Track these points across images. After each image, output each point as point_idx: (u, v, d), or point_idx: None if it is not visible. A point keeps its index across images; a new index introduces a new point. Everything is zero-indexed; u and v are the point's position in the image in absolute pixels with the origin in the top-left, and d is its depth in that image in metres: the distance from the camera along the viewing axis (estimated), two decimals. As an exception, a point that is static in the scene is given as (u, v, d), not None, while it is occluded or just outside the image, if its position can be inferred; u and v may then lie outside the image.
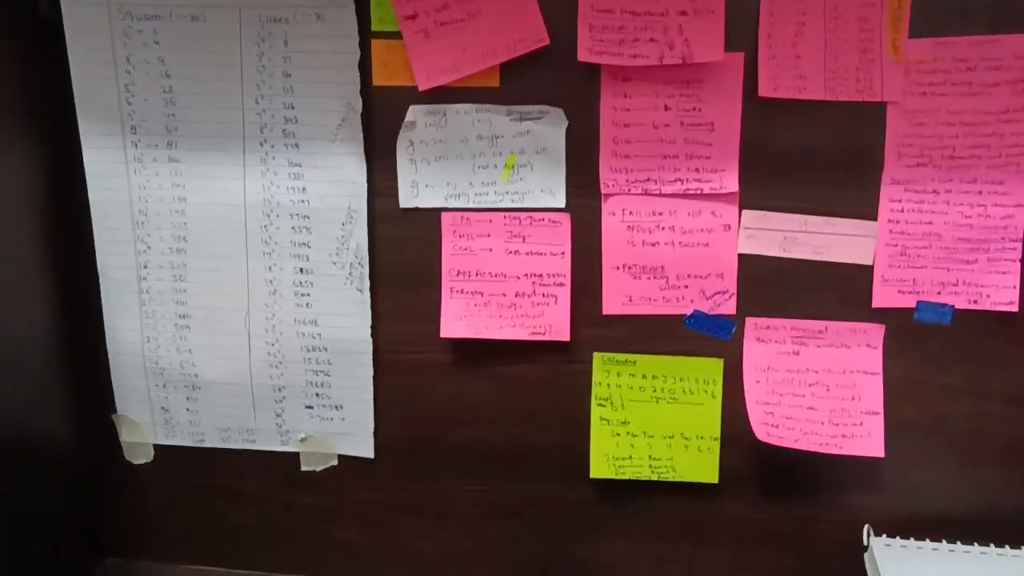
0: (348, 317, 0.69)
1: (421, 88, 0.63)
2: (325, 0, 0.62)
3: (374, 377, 0.70)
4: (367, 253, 0.67)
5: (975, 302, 0.62)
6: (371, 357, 0.70)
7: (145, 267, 0.70)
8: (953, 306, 0.63)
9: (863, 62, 0.60)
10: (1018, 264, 0.61)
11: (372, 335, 0.69)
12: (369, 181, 0.66)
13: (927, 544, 0.65)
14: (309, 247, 0.68)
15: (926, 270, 0.63)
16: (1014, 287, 0.62)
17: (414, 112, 0.64)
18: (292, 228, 0.68)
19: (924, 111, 0.60)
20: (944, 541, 0.65)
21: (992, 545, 0.64)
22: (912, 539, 0.65)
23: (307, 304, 0.69)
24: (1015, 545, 0.64)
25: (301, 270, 0.69)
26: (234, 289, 0.70)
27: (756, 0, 0.59)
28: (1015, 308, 0.62)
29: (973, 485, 0.66)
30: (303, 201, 0.67)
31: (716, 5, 0.59)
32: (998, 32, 0.58)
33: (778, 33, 0.60)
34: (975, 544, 0.64)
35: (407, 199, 0.66)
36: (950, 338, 0.64)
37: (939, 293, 0.63)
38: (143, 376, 0.73)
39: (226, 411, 0.73)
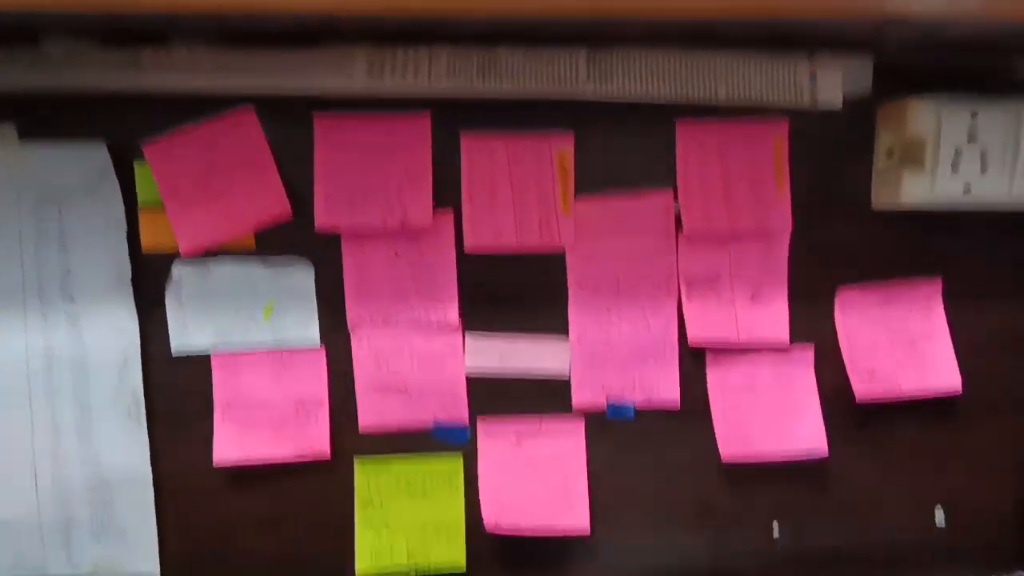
0: (128, 453, 0.76)
1: (183, 254, 0.74)
2: (95, 179, 0.73)
3: (156, 504, 0.78)
4: (143, 394, 0.76)
5: (650, 398, 0.79)
6: (152, 487, 0.77)
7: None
8: (634, 402, 0.79)
9: (544, 216, 0.76)
10: (678, 366, 0.79)
11: (152, 467, 0.77)
12: (143, 330, 0.76)
13: (636, 599, 0.79)
14: (89, 392, 0.76)
15: (610, 375, 0.79)
16: (676, 385, 0.79)
17: (180, 270, 0.75)
18: (72, 375, 0.75)
19: (593, 252, 0.77)
20: (649, 594, 0.79)
21: (686, 593, 0.80)
22: (624, 596, 0.79)
23: (89, 443, 0.77)
24: (704, 591, 0.79)
25: (82, 413, 0.76)
26: (19, 434, 0.76)
27: (458, 174, 0.75)
28: (678, 401, 0.79)
29: (667, 546, 0.81)
30: (81, 351, 0.75)
31: (425, 178, 0.74)
32: (640, 190, 0.77)
33: (476, 198, 0.76)
34: (674, 594, 0.80)
35: (179, 344, 0.76)
36: (636, 428, 0.80)
37: (622, 393, 0.79)
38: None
39: (16, 549, 0.78)
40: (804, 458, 0.79)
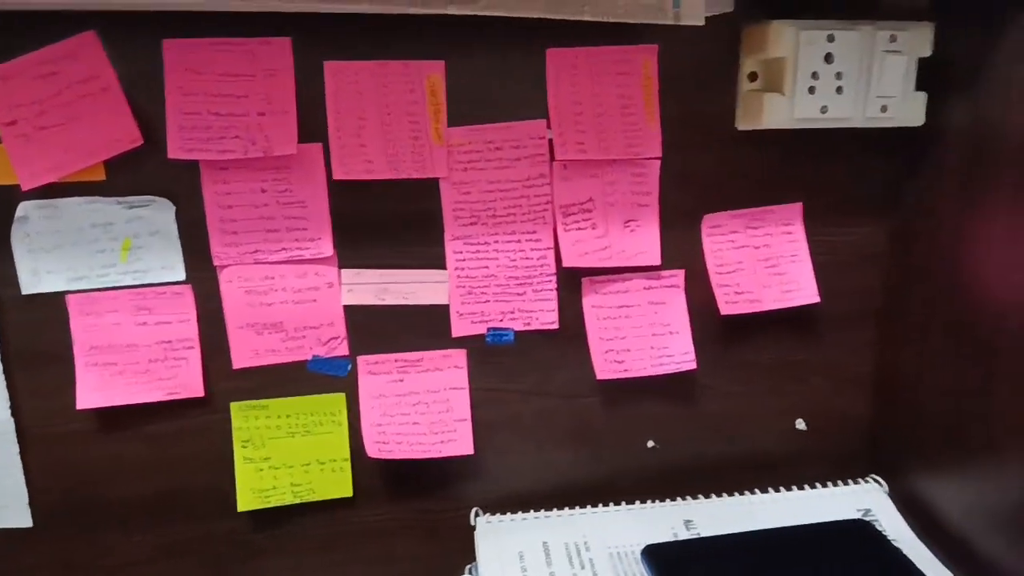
0: (-16, 401, 0.73)
1: (24, 188, 0.68)
2: (-83, 111, 0.66)
3: (22, 452, 0.75)
4: (-5, 339, 0.72)
5: (528, 324, 0.80)
6: (15, 435, 0.74)
7: None
8: (513, 329, 0.80)
9: (416, 147, 0.75)
10: (555, 292, 0.80)
11: (13, 415, 0.74)
12: (-10, 272, 0.71)
13: (519, 515, 0.82)
14: (-68, 340, 0.71)
15: (489, 303, 0.79)
16: (553, 311, 0.80)
17: (25, 208, 0.70)
18: (-89, 324, 0.70)
19: (468, 182, 0.76)
20: (532, 511, 0.82)
21: (567, 508, 0.83)
22: (508, 514, 0.82)
23: (-60, 394, 0.72)
24: (583, 505, 0.83)
25: (-73, 363, 0.71)
26: None
27: (323, 102, 0.72)
28: (556, 326, 0.81)
29: (547, 465, 0.84)
30: (-81, 298, 0.70)
31: (288, 107, 0.71)
32: (513, 120, 0.76)
33: (344, 128, 0.73)
34: (554, 510, 0.82)
35: (29, 286, 0.72)
36: (515, 354, 0.81)
37: (501, 320, 0.80)
38: None
39: None
40: (674, 372, 0.83)
